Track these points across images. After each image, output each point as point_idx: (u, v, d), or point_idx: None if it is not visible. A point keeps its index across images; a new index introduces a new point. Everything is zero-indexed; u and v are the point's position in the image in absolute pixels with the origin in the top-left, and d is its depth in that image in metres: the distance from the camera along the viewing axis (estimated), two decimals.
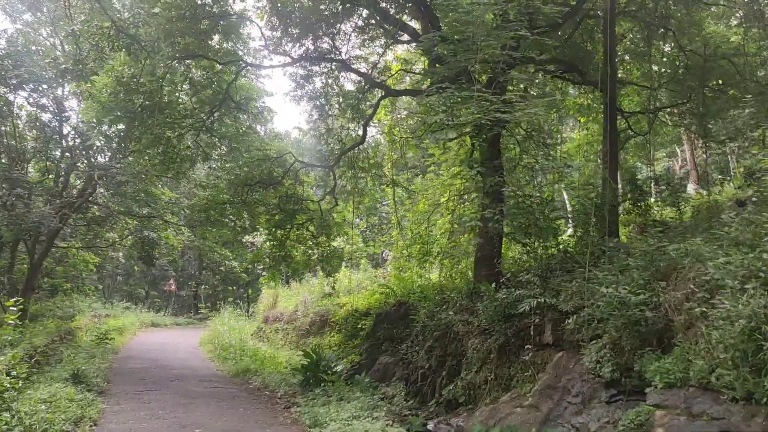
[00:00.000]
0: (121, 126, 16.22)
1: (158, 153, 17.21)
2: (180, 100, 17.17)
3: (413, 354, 15.17)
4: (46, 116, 25.05)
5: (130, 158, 19.44)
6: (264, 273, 44.51)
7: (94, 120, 15.25)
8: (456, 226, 20.57)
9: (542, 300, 10.58)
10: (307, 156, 20.67)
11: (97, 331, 24.10)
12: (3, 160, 22.42)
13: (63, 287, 29.50)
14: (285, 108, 76.60)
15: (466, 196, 20.74)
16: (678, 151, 29.97)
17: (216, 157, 18.75)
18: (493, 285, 12.48)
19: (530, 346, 11.07)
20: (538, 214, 12.02)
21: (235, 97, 17.31)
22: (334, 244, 20.23)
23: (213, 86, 16.88)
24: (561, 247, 12.42)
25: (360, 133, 18.19)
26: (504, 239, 15.01)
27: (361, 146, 18.46)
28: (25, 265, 25.00)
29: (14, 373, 10.45)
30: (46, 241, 22.53)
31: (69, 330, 23.11)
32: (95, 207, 23.74)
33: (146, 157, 17.73)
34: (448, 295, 15.32)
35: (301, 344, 22.61)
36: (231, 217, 19.28)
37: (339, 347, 19.44)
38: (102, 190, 22.77)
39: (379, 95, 17.52)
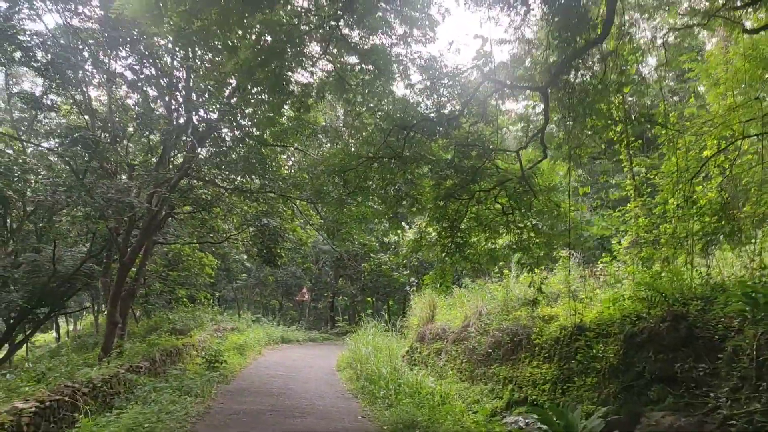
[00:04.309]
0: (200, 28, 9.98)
1: (265, 79, 10.89)
2: None
3: (749, 418, 7.53)
4: (153, 92, 20.01)
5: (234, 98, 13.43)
6: (408, 275, 37.86)
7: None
8: (725, 195, 12.66)
9: None
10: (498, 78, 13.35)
11: (208, 353, 18.52)
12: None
13: (177, 295, 24.49)
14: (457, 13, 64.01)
15: (746, 147, 12.80)
16: None
17: (354, 86, 12.11)
18: None
19: None
20: None
21: None
22: (535, 222, 12.94)
23: None
24: None
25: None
26: None
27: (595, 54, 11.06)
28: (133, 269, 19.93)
29: None
30: (141, 232, 17.18)
31: (173, 350, 17.65)
32: (199, 185, 18.05)
33: (249, 91, 11.60)
34: None
35: (479, 375, 15.54)
36: (378, 181, 12.60)
37: (552, 386, 12.13)
38: (203, 157, 17.02)
39: None
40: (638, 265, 12.65)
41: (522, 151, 11.98)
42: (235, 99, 16.45)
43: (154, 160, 19.91)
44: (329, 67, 12.82)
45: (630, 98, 12.18)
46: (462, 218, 12.82)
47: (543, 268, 13.99)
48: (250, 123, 15.94)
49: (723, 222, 12.07)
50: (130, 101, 20.68)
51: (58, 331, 39.01)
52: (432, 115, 11.48)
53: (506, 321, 14.98)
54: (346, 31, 11.38)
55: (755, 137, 12.38)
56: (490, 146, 11.93)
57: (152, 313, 24.80)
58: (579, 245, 14.28)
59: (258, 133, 15.51)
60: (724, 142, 12.65)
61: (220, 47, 11.33)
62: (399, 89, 11.90)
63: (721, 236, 10.96)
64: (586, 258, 17.00)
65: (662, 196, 12.58)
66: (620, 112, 12.37)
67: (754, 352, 7.90)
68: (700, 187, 12.76)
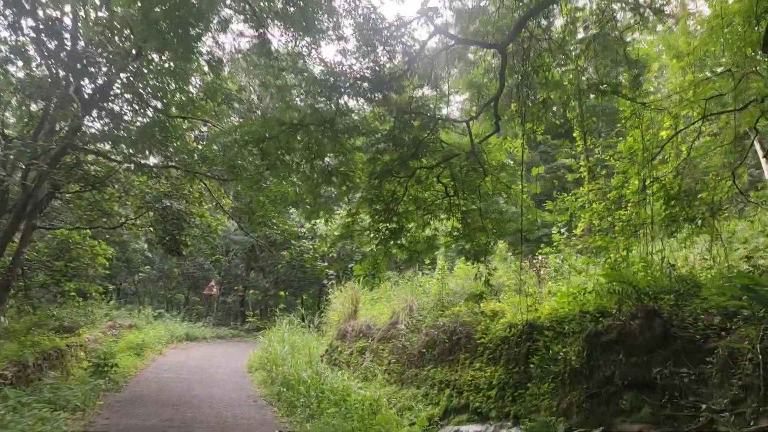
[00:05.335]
0: None
1: (169, 25, 8.76)
2: None
3: None
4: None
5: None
6: (327, 266, 35.50)
7: None
8: (680, 180, 11.62)
9: None
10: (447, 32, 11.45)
11: (96, 354, 16.00)
12: None
13: (64, 288, 21.48)
14: None
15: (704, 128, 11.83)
16: None
17: (276, 38, 10.13)
18: None
19: None
20: None
21: None
22: (482, 204, 11.40)
23: None
24: None
25: None
26: None
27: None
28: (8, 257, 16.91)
29: None
30: (14, 214, 14.44)
31: (53, 351, 15.04)
32: (88, 159, 15.34)
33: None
34: None
35: (410, 377, 13.95)
36: (303, 152, 10.67)
37: (500, 392, 10.67)
38: (95, 129, 14.42)
39: None
40: (592, 255, 11.44)
41: (472, 123, 10.41)
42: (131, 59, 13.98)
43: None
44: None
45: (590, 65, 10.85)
46: (399, 200, 11.13)
47: (485, 258, 12.49)
48: (150, 92, 13.53)
49: (680, 208, 11.03)
50: (11, 67, 17.67)
51: None
52: (368, 74, 9.68)
53: (442, 317, 13.43)
54: None
55: (716, 116, 11.41)
56: (437, 115, 10.29)
57: (37, 309, 21.70)
58: (532, 232, 12.91)
59: (159, 104, 13.17)
60: (682, 123, 11.64)
61: None
62: (330, 53, 9.94)
63: (699, 221, 9.76)
64: (524, 250, 15.72)
65: (618, 179, 11.40)
66: (578, 83, 11.04)
67: (759, 356, 6.67)
68: (656, 171, 11.68)
